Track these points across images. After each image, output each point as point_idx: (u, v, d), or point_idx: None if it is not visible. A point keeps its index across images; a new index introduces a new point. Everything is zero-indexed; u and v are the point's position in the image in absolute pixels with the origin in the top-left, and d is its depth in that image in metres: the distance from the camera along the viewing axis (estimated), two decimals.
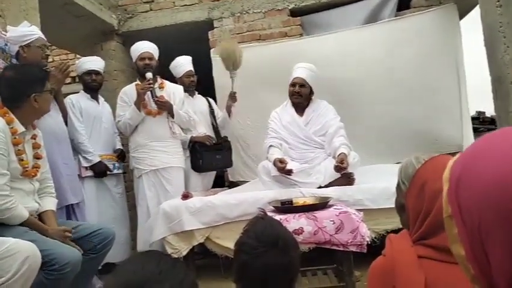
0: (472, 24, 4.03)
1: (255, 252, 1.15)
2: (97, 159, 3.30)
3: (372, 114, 3.93)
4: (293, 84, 3.30)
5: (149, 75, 3.36)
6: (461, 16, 4.16)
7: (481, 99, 4.60)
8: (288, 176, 3.08)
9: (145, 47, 3.50)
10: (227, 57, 3.78)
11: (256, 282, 1.16)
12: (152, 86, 3.36)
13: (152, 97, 3.40)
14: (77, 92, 3.60)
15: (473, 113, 5.02)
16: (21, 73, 2.14)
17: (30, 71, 2.18)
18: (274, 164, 3.04)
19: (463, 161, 0.57)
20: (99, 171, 3.33)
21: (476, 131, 4.34)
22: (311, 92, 3.31)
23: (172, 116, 3.47)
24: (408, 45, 3.89)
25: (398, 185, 1.14)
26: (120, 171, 3.60)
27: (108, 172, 3.41)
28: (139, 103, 3.37)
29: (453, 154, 0.69)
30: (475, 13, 3.90)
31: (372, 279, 1.06)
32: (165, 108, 3.42)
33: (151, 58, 3.48)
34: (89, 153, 3.28)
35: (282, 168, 3.01)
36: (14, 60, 2.59)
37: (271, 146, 3.25)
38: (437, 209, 0.99)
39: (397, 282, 0.96)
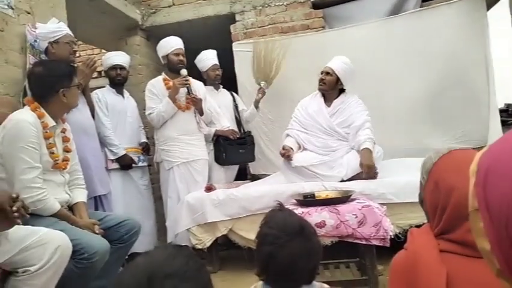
0: (500, 15, 3.90)
1: (280, 242, 1.17)
2: (122, 152, 3.38)
3: (398, 108, 3.87)
4: (321, 72, 3.32)
5: (184, 71, 3.42)
6: (489, 7, 4.04)
7: (510, 91, 4.48)
8: (311, 169, 3.09)
9: (178, 44, 3.53)
10: (265, 73, 3.86)
11: (282, 272, 1.17)
12: (188, 82, 3.41)
13: (189, 93, 3.44)
14: (103, 87, 3.69)
15: (501, 105, 4.88)
16: (49, 69, 2.20)
17: (57, 66, 2.24)
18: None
19: (491, 153, 0.56)
20: (124, 163, 3.41)
21: (505, 124, 4.22)
22: (338, 83, 3.30)
23: (201, 114, 3.54)
24: (434, 37, 3.80)
25: (420, 180, 1.14)
26: (145, 163, 3.68)
27: (133, 165, 3.49)
28: (174, 97, 3.41)
29: (478, 148, 0.68)
30: (503, 3, 3.78)
31: (394, 273, 1.05)
32: (198, 105, 3.48)
33: (183, 55, 3.53)
34: (115, 146, 3.36)
35: (283, 154, 3.15)
36: (43, 56, 2.67)
37: (288, 135, 3.37)
38: (453, 204, 0.98)
39: (419, 276, 0.95)
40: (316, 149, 3.25)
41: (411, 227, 2.70)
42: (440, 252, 0.95)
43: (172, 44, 3.52)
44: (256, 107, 3.93)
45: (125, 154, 3.41)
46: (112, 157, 3.37)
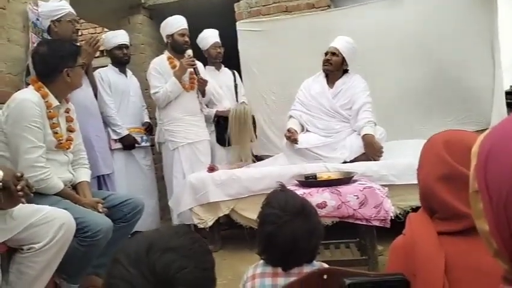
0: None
1: (281, 222, 1.19)
2: (125, 132, 3.39)
3: (403, 89, 3.85)
4: (326, 53, 3.29)
5: (190, 52, 3.38)
6: None
7: None
8: (314, 151, 3.10)
9: (184, 24, 3.48)
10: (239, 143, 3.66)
11: (282, 251, 1.19)
12: (195, 63, 3.39)
13: (196, 74, 3.42)
14: (105, 66, 3.66)
15: (507, 87, 4.83)
16: (53, 48, 2.19)
17: (62, 46, 2.24)
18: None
19: (493, 135, 0.56)
20: (127, 143, 3.42)
21: (510, 106, 4.19)
22: (343, 63, 3.27)
23: (203, 95, 3.53)
24: (441, 18, 3.75)
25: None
26: (148, 143, 3.69)
27: (136, 145, 3.50)
28: (180, 77, 3.38)
29: (481, 131, 0.68)
30: None
31: (392, 258, 1.05)
32: (203, 86, 3.46)
33: (188, 35, 3.50)
34: (118, 126, 3.37)
35: (288, 137, 3.16)
36: (45, 35, 2.65)
37: (291, 116, 3.36)
38: None
39: (417, 263, 0.94)
40: (319, 131, 3.25)
41: (412, 208, 2.73)
42: (438, 236, 0.95)
43: (178, 24, 3.47)
44: None
45: (128, 134, 3.42)
46: (115, 137, 3.38)
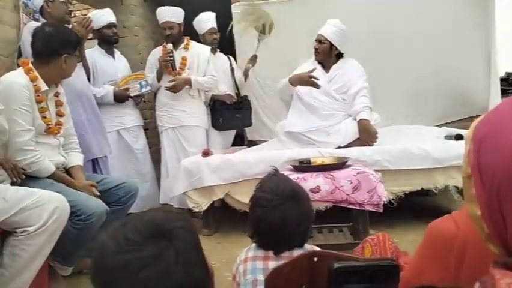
0: None
1: (271, 205, 1.20)
2: (109, 89, 3.29)
3: (399, 74, 3.85)
4: (315, 41, 3.27)
5: (169, 46, 3.45)
6: None
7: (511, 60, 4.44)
8: (308, 135, 3.11)
9: (165, 16, 3.49)
10: (258, 18, 3.74)
11: (272, 234, 1.20)
12: (172, 58, 3.44)
13: (173, 69, 3.47)
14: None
15: (502, 74, 4.84)
16: (60, 31, 2.18)
17: (67, 31, 2.24)
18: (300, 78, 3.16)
19: (487, 121, 0.56)
20: (118, 99, 3.32)
21: (505, 93, 4.21)
22: (332, 48, 3.25)
23: (191, 86, 3.50)
24: (437, 4, 3.74)
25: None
26: (148, 88, 3.48)
27: (132, 94, 3.38)
28: (160, 74, 3.49)
29: (476, 117, 0.68)
30: None
31: (440, 240, 0.85)
32: (177, 90, 3.43)
33: (171, 27, 3.48)
34: (97, 91, 3.23)
35: (310, 78, 3.10)
36: (37, 15, 2.61)
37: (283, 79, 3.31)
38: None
39: (466, 261, 0.79)
40: (313, 113, 3.24)
41: (406, 193, 2.76)
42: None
43: (160, 17, 3.53)
44: (246, 76, 3.93)
45: (115, 92, 3.30)
46: (105, 100, 3.27)
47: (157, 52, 3.60)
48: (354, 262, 0.70)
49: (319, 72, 3.29)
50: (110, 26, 3.42)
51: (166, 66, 3.45)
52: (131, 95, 3.40)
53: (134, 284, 0.63)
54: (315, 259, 0.73)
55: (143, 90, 3.45)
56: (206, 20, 3.75)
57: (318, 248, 1.29)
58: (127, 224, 0.68)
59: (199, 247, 0.71)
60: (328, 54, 3.26)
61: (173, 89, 3.44)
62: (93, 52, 3.37)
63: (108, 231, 0.69)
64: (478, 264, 0.74)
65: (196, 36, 3.77)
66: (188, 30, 3.73)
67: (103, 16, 3.40)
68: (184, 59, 3.49)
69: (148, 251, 0.64)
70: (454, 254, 0.79)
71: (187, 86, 3.48)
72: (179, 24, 3.53)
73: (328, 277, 0.69)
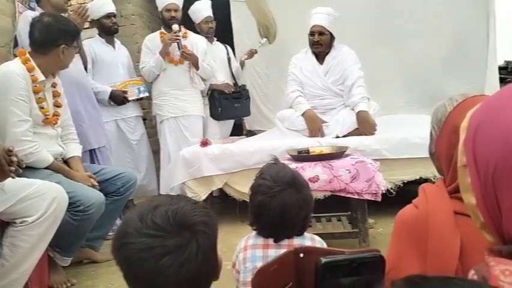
0: None
1: (272, 192, 1.21)
2: (107, 89, 3.27)
3: (395, 65, 3.85)
4: (312, 33, 3.19)
5: (175, 27, 3.40)
6: None
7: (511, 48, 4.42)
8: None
9: None
10: (265, 27, 3.73)
11: (272, 221, 1.21)
12: (179, 37, 3.40)
13: (179, 48, 3.42)
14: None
15: (501, 62, 4.83)
16: (59, 21, 2.16)
17: (67, 22, 2.22)
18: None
19: (482, 110, 0.56)
20: (116, 100, 3.31)
21: (503, 81, 4.20)
22: (332, 38, 3.22)
23: (197, 68, 3.49)
24: None
25: (430, 131, 1.00)
26: (146, 94, 3.52)
27: (130, 98, 3.38)
28: (164, 53, 3.41)
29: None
30: None
31: (401, 229, 0.96)
32: (191, 59, 3.45)
33: (176, 10, 3.47)
34: (98, 88, 3.22)
35: (318, 129, 3.05)
36: (32, 4, 2.58)
37: (298, 96, 3.23)
38: None
39: (430, 240, 0.86)
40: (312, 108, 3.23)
41: (404, 182, 2.77)
42: (454, 215, 0.86)
43: (164, 0, 3.47)
44: (242, 65, 3.92)
45: (113, 90, 3.29)
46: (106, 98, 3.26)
47: (154, 37, 3.56)
48: (341, 256, 0.70)
49: (314, 65, 3.26)
50: (109, 16, 3.39)
51: (167, 48, 3.39)
52: (130, 98, 3.41)
53: (154, 268, 0.68)
54: (301, 255, 0.74)
55: (141, 95, 3.49)
56: (201, 9, 3.72)
57: (317, 237, 1.30)
58: (157, 208, 0.73)
59: (216, 243, 0.76)
60: (329, 45, 3.22)
61: (192, 57, 3.42)
62: (93, 42, 3.37)
63: (137, 210, 0.74)
64: (440, 233, 0.86)
65: (192, 26, 3.74)
66: (184, 20, 3.70)
67: (102, 6, 3.37)
68: (184, 47, 3.46)
69: (173, 240, 0.69)
70: (419, 231, 0.89)
71: (190, 72, 3.49)
72: (180, 9, 3.52)
73: (315, 273, 0.69)
